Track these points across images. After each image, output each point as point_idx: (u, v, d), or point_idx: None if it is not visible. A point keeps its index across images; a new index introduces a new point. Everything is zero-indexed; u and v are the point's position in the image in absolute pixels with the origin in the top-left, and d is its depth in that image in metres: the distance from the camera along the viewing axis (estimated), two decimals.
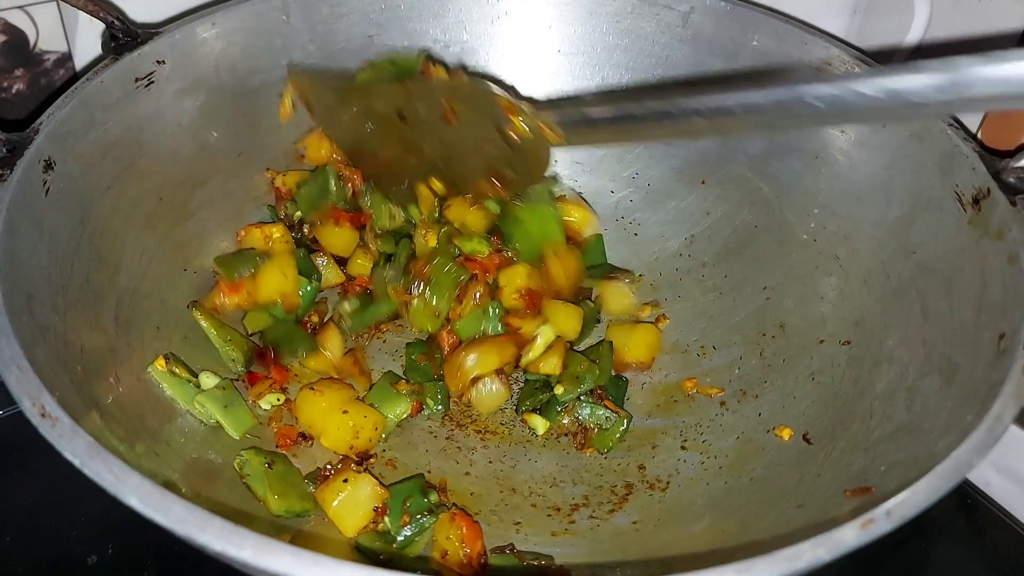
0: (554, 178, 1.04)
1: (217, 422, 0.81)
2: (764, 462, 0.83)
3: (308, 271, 0.93)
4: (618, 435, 0.88)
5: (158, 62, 0.87)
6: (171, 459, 0.73)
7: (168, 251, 0.87)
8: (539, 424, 0.89)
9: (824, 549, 0.52)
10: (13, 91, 0.97)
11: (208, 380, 0.83)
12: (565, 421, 0.90)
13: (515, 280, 0.91)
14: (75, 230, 0.76)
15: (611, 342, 0.96)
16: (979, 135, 0.96)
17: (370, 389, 0.90)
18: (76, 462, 0.53)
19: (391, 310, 0.96)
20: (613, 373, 0.94)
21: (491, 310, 0.90)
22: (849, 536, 0.52)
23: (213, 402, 0.81)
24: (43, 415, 0.55)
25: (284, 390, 0.88)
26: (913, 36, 1.04)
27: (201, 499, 0.68)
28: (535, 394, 0.90)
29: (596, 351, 0.94)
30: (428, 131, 0.89)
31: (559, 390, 0.89)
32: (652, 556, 0.76)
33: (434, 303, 0.90)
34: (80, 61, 0.99)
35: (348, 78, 0.99)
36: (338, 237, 0.97)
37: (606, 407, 0.89)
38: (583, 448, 0.89)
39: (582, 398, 0.89)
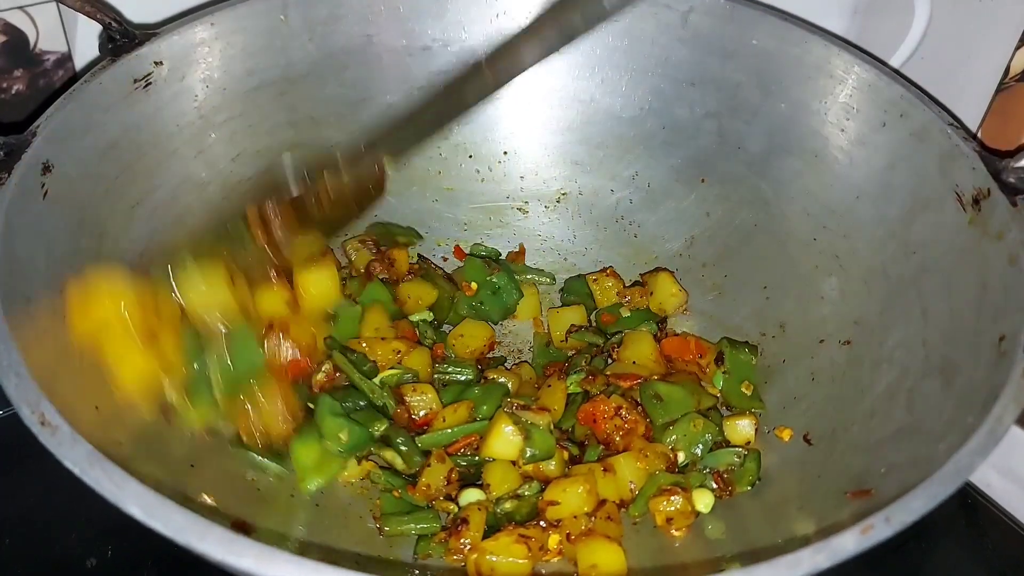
0: None
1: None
2: (764, 463, 0.83)
3: None
4: (756, 467, 0.83)
5: (156, 63, 0.87)
6: (173, 461, 0.73)
7: (167, 253, 0.87)
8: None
9: (824, 555, 0.52)
10: (12, 92, 0.97)
11: None
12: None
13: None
14: (74, 233, 0.76)
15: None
16: (979, 135, 0.96)
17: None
18: (76, 470, 0.53)
19: None
20: None
21: None
22: (849, 542, 0.53)
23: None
24: (43, 423, 0.55)
25: None
26: (913, 36, 1.04)
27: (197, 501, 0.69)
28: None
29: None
30: None
31: (681, 457, 0.85)
32: (651, 560, 0.76)
33: None
34: (80, 62, 0.99)
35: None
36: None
37: (727, 447, 0.86)
38: (732, 494, 0.82)
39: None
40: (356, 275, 0.99)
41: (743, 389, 0.90)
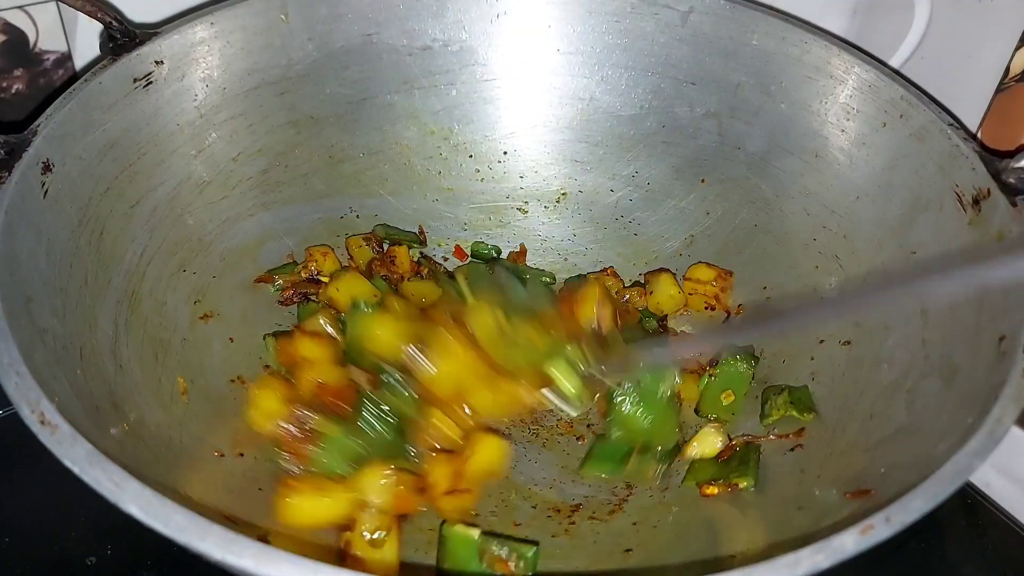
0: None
1: None
2: (764, 463, 0.83)
3: None
4: (756, 467, 0.83)
5: (156, 62, 0.87)
6: (170, 459, 0.73)
7: (167, 252, 0.87)
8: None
9: (823, 555, 0.52)
10: (12, 91, 0.97)
11: None
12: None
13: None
14: (74, 232, 0.76)
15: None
16: (979, 135, 0.96)
17: None
18: (76, 470, 0.53)
19: None
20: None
21: None
22: (848, 542, 0.53)
23: None
24: (42, 422, 0.55)
25: None
26: (913, 36, 1.04)
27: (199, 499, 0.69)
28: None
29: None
30: None
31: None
32: (651, 560, 0.76)
33: None
34: (80, 61, 0.99)
35: None
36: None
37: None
38: (732, 493, 0.82)
39: None
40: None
41: (722, 397, 0.90)
